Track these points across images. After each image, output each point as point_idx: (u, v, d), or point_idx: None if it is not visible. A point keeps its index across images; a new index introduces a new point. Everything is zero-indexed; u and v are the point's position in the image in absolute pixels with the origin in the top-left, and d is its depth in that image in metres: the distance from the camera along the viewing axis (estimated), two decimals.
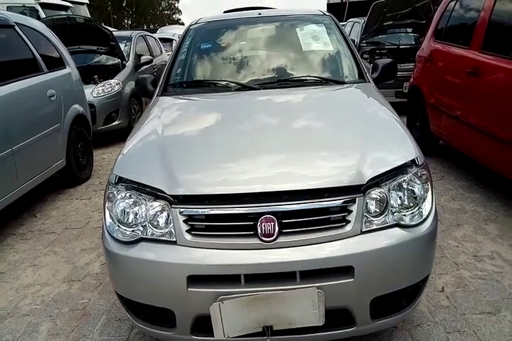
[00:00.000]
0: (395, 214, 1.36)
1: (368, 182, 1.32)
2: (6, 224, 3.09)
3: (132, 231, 1.41)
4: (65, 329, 1.94)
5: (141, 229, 1.39)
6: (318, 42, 2.35)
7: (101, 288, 2.25)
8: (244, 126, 1.74)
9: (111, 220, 1.47)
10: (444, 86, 3.33)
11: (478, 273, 2.09)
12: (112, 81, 5.35)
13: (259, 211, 1.28)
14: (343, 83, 2.13)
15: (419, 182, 1.39)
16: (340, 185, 1.31)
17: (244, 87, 2.12)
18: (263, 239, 1.27)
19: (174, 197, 1.34)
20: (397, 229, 1.33)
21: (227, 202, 1.30)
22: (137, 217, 1.41)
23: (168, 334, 1.43)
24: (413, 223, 1.36)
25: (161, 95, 2.19)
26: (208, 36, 2.54)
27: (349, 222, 1.30)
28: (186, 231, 1.32)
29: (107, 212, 1.49)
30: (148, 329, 1.47)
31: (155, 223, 1.38)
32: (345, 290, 1.28)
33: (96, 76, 5.41)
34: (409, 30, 6.12)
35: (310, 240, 1.28)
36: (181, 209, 1.33)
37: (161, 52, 7.54)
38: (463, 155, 3.32)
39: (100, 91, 5.16)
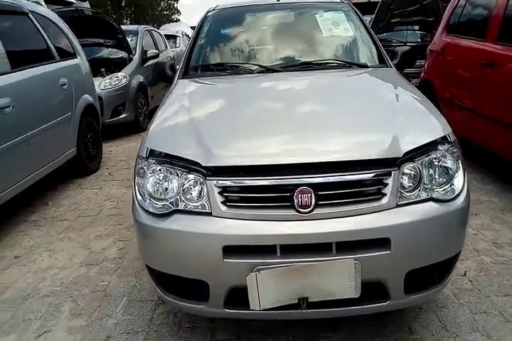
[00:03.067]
0: (428, 189, 1.36)
1: (403, 155, 1.33)
2: (18, 212, 3.07)
3: (164, 204, 1.40)
4: (87, 309, 1.93)
5: (175, 202, 1.39)
6: (339, 28, 2.36)
7: (120, 271, 2.24)
8: (274, 102, 1.73)
9: (141, 197, 1.46)
10: (457, 78, 3.35)
11: (499, 258, 2.10)
12: (119, 74, 5.34)
13: (296, 182, 1.28)
14: (366, 67, 2.13)
15: (451, 159, 1.40)
16: (376, 158, 1.31)
17: (267, 70, 2.12)
18: (300, 210, 1.27)
19: (209, 169, 1.34)
20: (432, 203, 1.34)
21: (263, 173, 1.30)
22: (170, 190, 1.40)
23: (200, 308, 1.42)
24: (447, 198, 1.36)
25: (182, 78, 2.19)
26: (228, 21, 2.55)
27: (385, 194, 1.30)
28: (221, 202, 1.31)
29: (136, 188, 1.49)
30: (179, 303, 1.46)
31: (188, 196, 1.37)
32: (382, 262, 1.28)
33: (103, 69, 5.39)
34: (416, 27, 6.15)
35: (346, 212, 1.28)
36: (216, 181, 1.32)
37: (166, 47, 7.53)
38: (475, 149, 3.33)
39: (107, 84, 5.15)
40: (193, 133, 1.48)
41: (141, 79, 5.70)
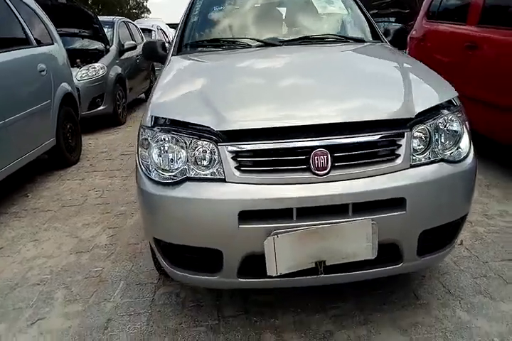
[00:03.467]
0: (438, 150, 1.37)
1: (416, 116, 1.33)
2: None
3: (172, 174, 1.35)
4: (82, 295, 1.84)
5: (184, 170, 1.34)
6: (333, 5, 2.37)
7: (113, 257, 2.15)
8: (280, 71, 1.69)
9: (146, 168, 1.39)
10: (439, 62, 3.44)
11: (492, 228, 2.17)
12: (97, 65, 5.15)
13: (312, 144, 1.25)
14: (363, 41, 2.15)
15: (457, 122, 1.41)
16: (390, 118, 1.31)
17: (265, 44, 2.07)
18: (316, 172, 1.24)
19: (222, 133, 1.29)
20: (443, 164, 1.35)
21: (278, 136, 1.27)
22: (178, 159, 1.34)
23: (212, 280, 1.38)
24: (456, 159, 1.38)
25: (176, 55, 2.12)
26: None
27: (399, 155, 1.30)
28: (235, 168, 1.27)
29: (140, 161, 1.42)
30: (189, 276, 1.41)
31: (199, 163, 1.32)
32: (397, 222, 1.28)
33: (78, 60, 5.19)
34: (393, 19, 6.30)
35: (362, 173, 1.27)
36: (230, 146, 1.28)
37: (142, 40, 7.34)
38: None
39: (84, 75, 4.96)
40: (199, 100, 1.43)
41: (119, 70, 5.54)
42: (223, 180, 1.28)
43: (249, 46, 2.09)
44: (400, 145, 1.30)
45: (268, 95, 1.46)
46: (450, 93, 1.47)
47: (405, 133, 1.31)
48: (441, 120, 1.39)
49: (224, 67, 1.86)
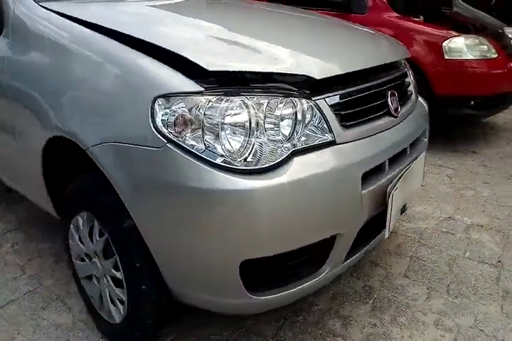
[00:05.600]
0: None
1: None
2: None
3: (265, 154, 0.87)
4: None
5: (283, 144, 0.90)
6: None
7: None
8: (273, 22, 1.43)
9: (208, 158, 0.85)
10: None
11: None
12: None
13: (387, 86, 1.18)
14: None
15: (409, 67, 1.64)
16: (403, 58, 1.39)
17: None
18: (394, 114, 1.17)
19: (321, 83, 0.96)
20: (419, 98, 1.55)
21: (363, 80, 1.10)
22: (267, 131, 0.88)
23: (314, 282, 1.02)
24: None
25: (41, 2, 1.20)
26: None
27: (412, 92, 1.41)
28: (340, 124, 0.99)
29: (188, 153, 0.86)
30: (280, 295, 0.98)
31: (295, 128, 0.92)
32: (423, 150, 1.37)
33: None
34: None
35: (408, 111, 1.29)
36: (329, 99, 0.97)
37: None
38: None
39: None
40: (251, 47, 1.02)
41: None
42: (333, 143, 0.96)
43: None
44: (410, 83, 1.41)
45: (315, 43, 1.20)
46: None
47: (407, 72, 1.43)
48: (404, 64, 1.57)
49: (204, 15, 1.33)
